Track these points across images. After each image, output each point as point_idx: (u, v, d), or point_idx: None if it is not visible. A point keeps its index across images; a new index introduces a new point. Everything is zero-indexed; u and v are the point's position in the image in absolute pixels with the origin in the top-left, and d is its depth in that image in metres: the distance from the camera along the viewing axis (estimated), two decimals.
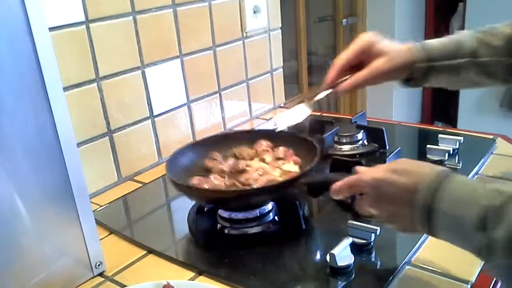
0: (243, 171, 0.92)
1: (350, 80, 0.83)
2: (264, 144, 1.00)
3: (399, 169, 0.64)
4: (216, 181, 0.89)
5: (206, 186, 0.87)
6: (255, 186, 0.86)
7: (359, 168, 0.71)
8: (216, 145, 1.02)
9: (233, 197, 0.84)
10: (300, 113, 0.90)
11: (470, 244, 0.56)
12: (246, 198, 0.84)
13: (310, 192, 0.82)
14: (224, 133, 1.11)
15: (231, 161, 0.97)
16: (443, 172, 0.60)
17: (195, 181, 0.89)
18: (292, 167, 0.93)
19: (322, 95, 0.88)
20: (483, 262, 0.57)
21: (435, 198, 0.58)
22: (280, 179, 0.89)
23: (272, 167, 0.94)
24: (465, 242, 0.57)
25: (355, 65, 0.84)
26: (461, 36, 0.85)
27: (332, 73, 0.85)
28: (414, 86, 0.87)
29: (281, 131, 0.97)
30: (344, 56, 0.84)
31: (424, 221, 0.60)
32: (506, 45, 0.82)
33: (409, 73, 0.84)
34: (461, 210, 0.56)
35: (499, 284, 0.71)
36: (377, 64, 0.82)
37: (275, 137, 1.01)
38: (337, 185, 0.71)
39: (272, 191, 0.84)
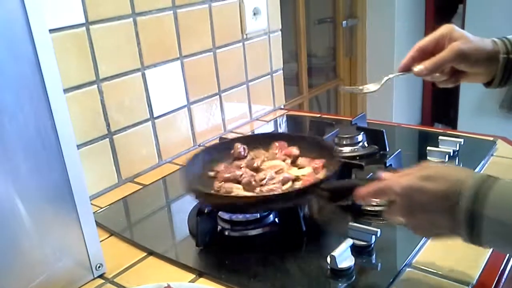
0: (258, 170, 0.92)
1: (425, 62, 0.79)
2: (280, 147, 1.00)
3: (431, 175, 0.61)
4: (238, 172, 0.90)
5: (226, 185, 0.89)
6: (275, 191, 0.85)
7: (385, 174, 0.68)
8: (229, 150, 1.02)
9: (251, 204, 0.83)
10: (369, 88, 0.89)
11: None
12: (265, 205, 0.83)
13: (331, 198, 0.81)
14: (239, 137, 1.11)
15: (245, 161, 0.96)
16: (486, 176, 0.57)
17: (221, 168, 0.91)
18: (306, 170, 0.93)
19: (394, 76, 0.85)
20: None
21: (483, 203, 0.55)
22: (294, 176, 0.89)
23: (288, 166, 0.94)
24: None
25: (431, 54, 0.80)
26: None
27: (408, 56, 0.82)
28: (499, 85, 0.81)
29: (299, 135, 0.97)
30: (422, 41, 0.81)
31: (468, 228, 0.57)
32: None
33: (494, 64, 0.79)
34: (509, 214, 0.54)
35: (500, 286, 0.71)
36: (457, 43, 0.77)
37: (291, 141, 1.00)
38: (362, 191, 0.68)
39: (292, 197, 0.82)
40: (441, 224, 0.60)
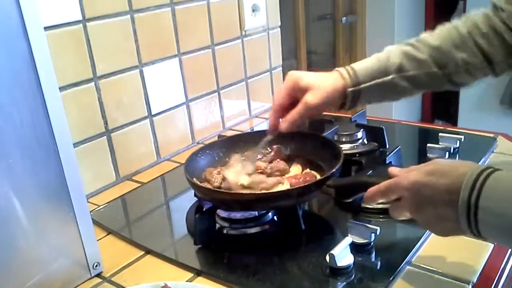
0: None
1: (285, 119, 0.87)
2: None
3: (436, 170, 0.62)
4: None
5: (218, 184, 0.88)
6: (279, 188, 0.85)
7: (393, 170, 0.69)
8: (232, 147, 1.01)
9: (253, 201, 0.82)
10: (246, 168, 0.92)
11: None
12: (267, 202, 0.82)
13: (338, 195, 0.81)
14: (240, 135, 1.10)
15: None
16: (486, 169, 0.58)
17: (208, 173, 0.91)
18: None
19: (265, 141, 0.93)
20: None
21: (479, 196, 0.56)
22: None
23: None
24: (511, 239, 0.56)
25: (290, 105, 0.87)
26: (387, 53, 0.88)
27: (271, 119, 0.89)
28: (349, 109, 0.89)
29: (300, 132, 0.98)
30: (276, 100, 0.88)
31: (469, 221, 0.58)
32: (431, 57, 0.85)
33: (342, 98, 0.87)
34: (504, 205, 0.55)
35: (500, 285, 0.71)
36: (306, 99, 0.84)
37: (292, 138, 0.99)
38: (372, 190, 0.70)
39: (296, 194, 0.81)
40: (447, 218, 0.60)
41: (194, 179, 0.88)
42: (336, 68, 0.89)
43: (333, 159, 0.88)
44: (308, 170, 0.95)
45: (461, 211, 0.58)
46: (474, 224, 0.57)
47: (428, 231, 0.76)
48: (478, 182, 0.57)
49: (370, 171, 0.87)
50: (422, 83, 0.87)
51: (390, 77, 0.86)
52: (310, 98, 0.84)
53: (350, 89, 0.86)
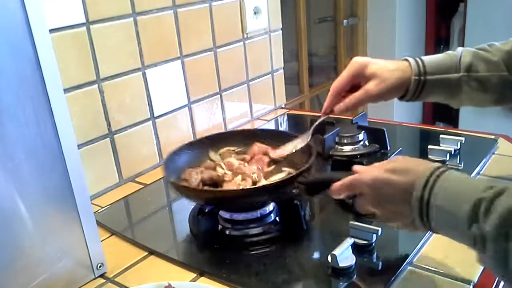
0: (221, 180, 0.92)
1: (344, 102, 0.87)
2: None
3: (397, 168, 0.65)
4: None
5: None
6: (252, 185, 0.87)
7: (356, 167, 0.72)
8: (212, 146, 1.03)
9: (228, 198, 0.84)
10: (299, 143, 0.95)
11: (466, 238, 0.58)
12: (242, 199, 0.84)
13: (308, 191, 0.82)
14: (219, 133, 1.11)
15: (206, 174, 0.93)
16: (438, 169, 0.62)
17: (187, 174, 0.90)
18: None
19: (319, 121, 0.94)
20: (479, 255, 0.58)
21: (430, 194, 0.60)
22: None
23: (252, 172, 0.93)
24: (462, 236, 0.59)
25: (350, 89, 0.88)
26: (458, 52, 0.87)
27: (328, 100, 0.90)
28: (411, 101, 0.88)
29: (276, 130, 0.98)
30: (337, 83, 0.88)
31: (422, 218, 0.61)
32: (503, 60, 0.84)
33: (405, 90, 0.86)
34: (455, 204, 0.58)
35: (501, 285, 0.71)
36: (368, 87, 0.85)
37: (271, 138, 1.01)
38: (336, 185, 0.72)
39: (269, 191, 0.83)
40: (405, 214, 0.63)
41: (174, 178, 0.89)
42: (406, 57, 0.87)
43: (307, 155, 0.90)
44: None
45: (415, 207, 0.61)
46: (426, 220, 0.61)
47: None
48: (430, 181, 0.60)
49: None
50: (490, 87, 0.84)
51: (459, 74, 0.84)
52: (372, 88, 0.84)
53: (415, 77, 0.84)
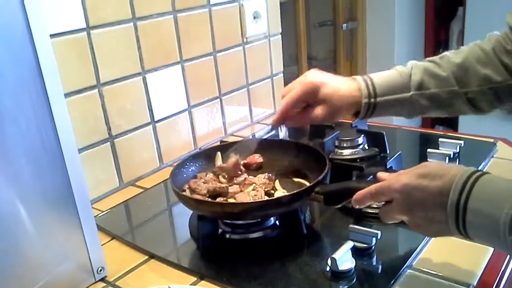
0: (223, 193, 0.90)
1: (294, 121, 0.92)
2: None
3: (428, 172, 0.63)
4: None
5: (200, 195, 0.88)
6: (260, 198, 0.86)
7: (382, 175, 0.70)
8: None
9: (238, 211, 0.82)
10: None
11: (505, 244, 0.56)
12: (254, 212, 0.82)
13: (326, 201, 0.80)
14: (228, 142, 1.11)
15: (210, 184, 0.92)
16: (472, 171, 0.60)
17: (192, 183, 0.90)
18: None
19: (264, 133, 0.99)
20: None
21: (468, 198, 0.58)
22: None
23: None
24: (500, 242, 0.56)
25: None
26: (408, 68, 0.88)
27: (279, 115, 0.91)
28: (363, 119, 0.90)
29: (286, 140, 0.99)
30: (289, 100, 0.88)
31: (458, 224, 0.59)
32: (453, 74, 0.84)
33: (355, 112, 0.88)
34: (494, 208, 0.56)
35: (500, 287, 0.71)
36: (316, 113, 0.87)
37: (279, 147, 1.01)
38: (360, 193, 0.70)
39: (283, 203, 0.82)
40: (438, 220, 0.62)
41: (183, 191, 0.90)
42: (355, 77, 0.88)
43: (320, 166, 0.88)
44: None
45: (450, 213, 0.59)
46: (462, 225, 0.59)
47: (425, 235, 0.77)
48: (468, 184, 0.58)
49: (371, 177, 0.87)
50: (442, 103, 0.86)
51: (409, 93, 0.85)
52: (320, 113, 0.87)
53: (365, 101, 0.86)
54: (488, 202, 0.57)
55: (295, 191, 0.82)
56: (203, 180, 0.93)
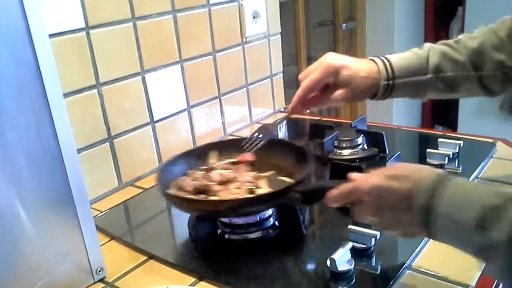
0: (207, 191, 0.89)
1: (314, 104, 0.93)
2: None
3: (398, 174, 0.63)
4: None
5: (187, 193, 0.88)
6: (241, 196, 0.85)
7: (352, 175, 0.70)
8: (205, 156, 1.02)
9: (221, 209, 0.83)
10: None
11: (470, 246, 0.56)
12: (236, 209, 0.82)
13: (304, 200, 0.80)
14: (214, 142, 1.10)
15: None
16: (441, 175, 0.60)
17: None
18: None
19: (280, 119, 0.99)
20: (483, 264, 0.57)
21: (433, 201, 0.58)
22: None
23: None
24: (465, 244, 0.57)
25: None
26: (424, 50, 0.88)
27: (297, 98, 0.91)
28: (379, 100, 0.90)
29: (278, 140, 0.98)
30: (308, 83, 0.88)
31: (423, 225, 0.60)
32: (470, 60, 0.85)
33: (374, 93, 0.88)
34: (459, 211, 0.56)
35: None
36: (337, 96, 0.87)
37: (271, 147, 1.00)
38: (332, 193, 0.70)
39: (264, 201, 0.82)
40: (406, 221, 0.62)
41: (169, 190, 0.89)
42: (373, 58, 0.88)
43: (302, 163, 0.89)
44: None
45: (418, 215, 0.60)
46: (428, 228, 0.60)
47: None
48: (437, 188, 0.58)
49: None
50: (457, 86, 0.86)
51: (427, 76, 0.86)
52: (341, 96, 0.87)
53: (384, 83, 0.86)
54: (456, 206, 0.57)
55: (271, 191, 0.84)
56: (191, 178, 0.92)
